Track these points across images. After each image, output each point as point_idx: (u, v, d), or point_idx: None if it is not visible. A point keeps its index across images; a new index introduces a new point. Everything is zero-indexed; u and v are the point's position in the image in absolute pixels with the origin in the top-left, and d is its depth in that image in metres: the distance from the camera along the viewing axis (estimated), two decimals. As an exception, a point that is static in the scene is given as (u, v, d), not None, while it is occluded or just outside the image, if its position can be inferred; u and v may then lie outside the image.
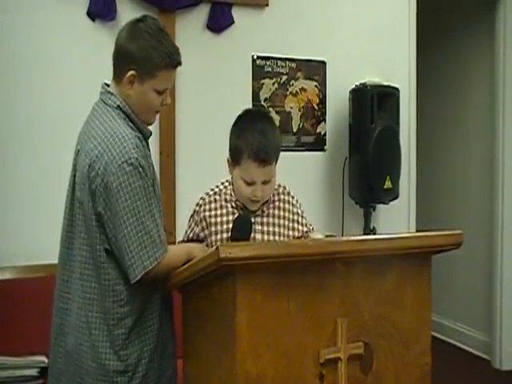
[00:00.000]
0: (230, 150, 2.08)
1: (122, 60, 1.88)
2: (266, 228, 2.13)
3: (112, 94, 1.91)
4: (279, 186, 2.20)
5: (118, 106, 1.89)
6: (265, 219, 2.13)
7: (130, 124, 1.89)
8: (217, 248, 1.48)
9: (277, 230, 2.14)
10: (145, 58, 1.83)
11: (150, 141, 2.03)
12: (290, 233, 2.17)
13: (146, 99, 1.89)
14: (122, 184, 1.76)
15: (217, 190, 2.18)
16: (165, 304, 1.98)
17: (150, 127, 2.04)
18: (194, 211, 2.19)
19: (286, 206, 2.18)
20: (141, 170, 1.78)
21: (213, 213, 2.14)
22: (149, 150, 1.97)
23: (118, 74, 1.91)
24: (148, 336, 1.90)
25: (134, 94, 1.88)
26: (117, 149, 1.78)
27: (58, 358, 1.96)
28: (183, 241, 2.23)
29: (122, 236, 1.77)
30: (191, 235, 2.18)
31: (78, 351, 1.87)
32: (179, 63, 1.92)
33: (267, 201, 2.13)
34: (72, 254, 1.91)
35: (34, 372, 2.73)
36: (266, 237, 2.11)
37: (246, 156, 1.99)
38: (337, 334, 1.65)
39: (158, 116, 2.06)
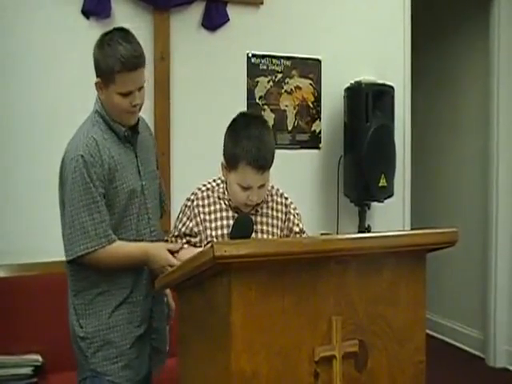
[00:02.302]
0: (225, 155, 2.08)
1: (94, 69, 2.10)
2: (259, 227, 2.14)
3: (96, 100, 2.15)
4: (272, 187, 2.22)
5: (97, 110, 2.13)
6: (258, 218, 2.15)
7: (101, 126, 2.11)
8: (212, 246, 1.48)
9: (270, 229, 2.16)
10: (103, 66, 2.04)
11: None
12: (284, 232, 2.19)
13: (113, 102, 2.07)
14: (67, 177, 2.04)
15: (209, 186, 2.18)
16: (135, 297, 2.16)
17: (147, 126, 2.25)
18: (186, 206, 2.18)
19: (279, 206, 2.20)
20: (82, 165, 2.01)
21: (206, 209, 2.14)
22: (129, 147, 2.16)
23: None
24: (102, 313, 2.12)
25: (104, 98, 2.10)
26: (72, 147, 2.07)
27: None
28: (173, 236, 2.21)
29: (63, 223, 2.09)
30: (184, 229, 2.17)
31: (68, 317, 2.20)
32: (136, 66, 2.04)
33: (261, 201, 2.14)
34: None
35: (28, 371, 2.73)
36: (259, 236, 2.12)
37: (244, 163, 1.99)
38: (331, 332, 1.65)
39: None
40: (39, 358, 2.77)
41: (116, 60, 2.01)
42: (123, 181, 2.10)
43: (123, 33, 2.10)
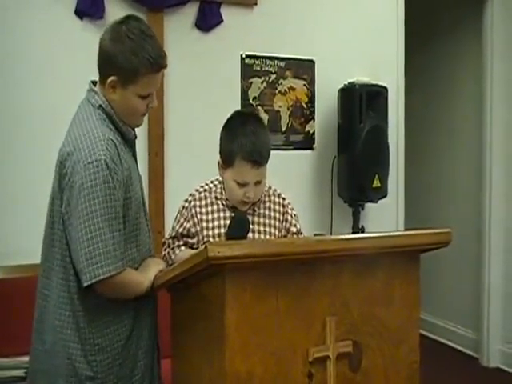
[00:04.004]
0: (221, 152, 2.10)
1: (104, 64, 1.84)
2: (256, 227, 2.15)
3: (96, 92, 1.88)
4: (269, 188, 2.23)
5: (100, 105, 1.85)
6: (256, 219, 2.16)
7: (110, 125, 1.85)
8: (205, 247, 1.48)
9: (267, 229, 2.17)
10: (125, 64, 1.78)
11: (138, 140, 2.02)
12: (281, 232, 2.20)
13: (129, 104, 1.85)
14: (83, 185, 1.71)
15: (206, 187, 2.20)
16: (141, 320, 1.93)
17: (140, 127, 2.01)
18: (183, 207, 2.20)
19: (277, 207, 2.21)
20: (106, 173, 1.71)
21: (204, 210, 2.15)
22: (133, 154, 1.96)
23: (101, 77, 1.87)
24: (114, 347, 1.85)
25: (117, 98, 1.84)
26: (86, 149, 1.74)
27: (36, 355, 1.91)
28: (171, 237, 2.22)
29: (77, 238, 1.72)
30: (181, 230, 2.18)
31: (54, 351, 1.84)
32: (163, 67, 1.85)
33: (258, 200, 2.15)
34: (52, 251, 1.87)
35: (20, 373, 2.71)
36: (256, 236, 2.13)
37: (240, 158, 2.01)
38: (326, 332, 1.65)
39: (146, 115, 2.04)
40: (32, 359, 2.76)
41: (143, 60, 1.77)
42: (135, 191, 1.85)
43: (142, 25, 1.85)
